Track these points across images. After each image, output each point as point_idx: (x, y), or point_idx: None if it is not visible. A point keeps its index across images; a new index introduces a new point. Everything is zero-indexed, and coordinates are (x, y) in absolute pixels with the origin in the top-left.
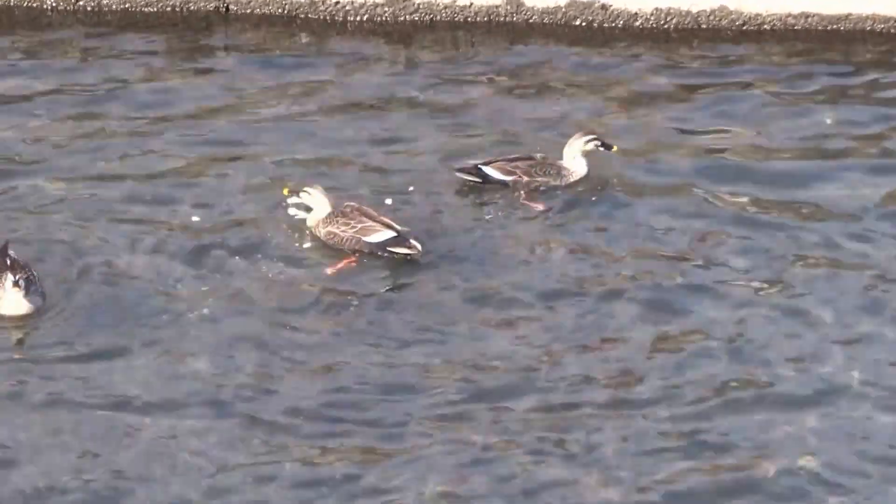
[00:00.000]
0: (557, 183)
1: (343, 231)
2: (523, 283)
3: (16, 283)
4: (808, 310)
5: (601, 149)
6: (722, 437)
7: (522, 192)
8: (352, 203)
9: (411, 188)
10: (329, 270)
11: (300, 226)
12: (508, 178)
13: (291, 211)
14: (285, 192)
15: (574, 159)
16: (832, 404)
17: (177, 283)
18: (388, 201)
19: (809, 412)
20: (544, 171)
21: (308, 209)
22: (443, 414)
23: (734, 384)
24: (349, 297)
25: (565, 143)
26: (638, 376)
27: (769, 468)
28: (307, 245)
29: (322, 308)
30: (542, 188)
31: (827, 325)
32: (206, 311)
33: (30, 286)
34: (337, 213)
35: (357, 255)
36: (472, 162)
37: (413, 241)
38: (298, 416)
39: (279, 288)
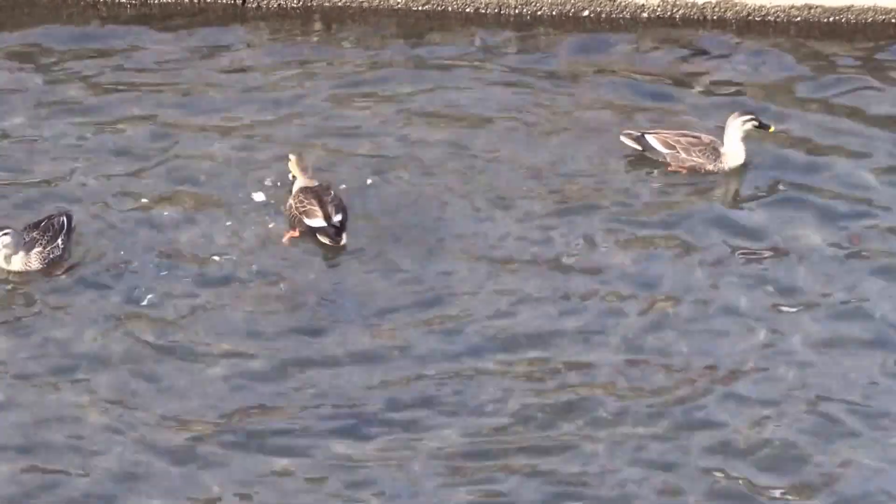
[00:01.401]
0: (712, 168)
1: (295, 206)
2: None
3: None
4: None
5: (758, 129)
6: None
7: (673, 165)
8: (323, 183)
9: (370, 179)
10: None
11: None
12: (667, 151)
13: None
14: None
15: (733, 144)
16: None
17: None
18: (369, 181)
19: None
20: (703, 153)
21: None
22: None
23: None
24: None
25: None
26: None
27: None
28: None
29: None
30: (696, 168)
31: None
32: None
33: (30, 246)
34: (302, 190)
35: (299, 232)
36: (640, 131)
37: (340, 237)
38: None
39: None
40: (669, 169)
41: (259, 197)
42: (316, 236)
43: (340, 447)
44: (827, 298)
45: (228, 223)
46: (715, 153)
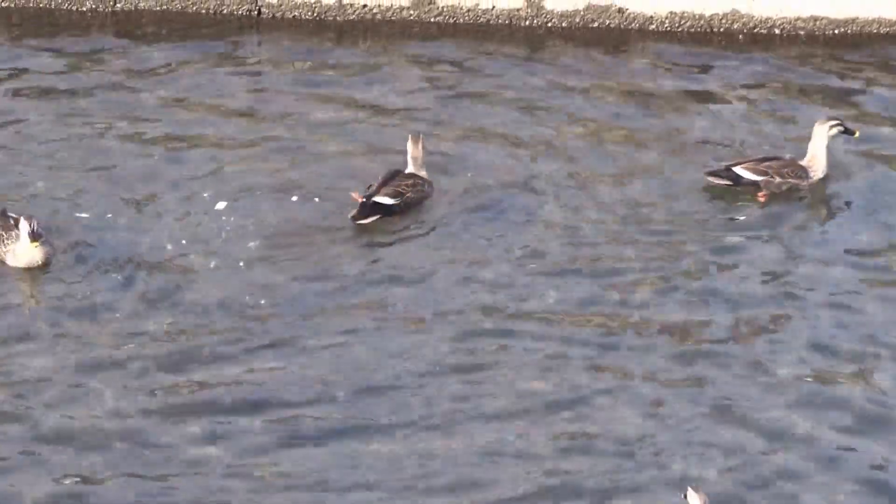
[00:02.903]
0: (805, 185)
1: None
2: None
3: (33, 234)
4: None
5: (843, 134)
6: None
7: (765, 191)
8: (420, 175)
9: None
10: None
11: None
12: (760, 178)
13: None
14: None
15: (819, 152)
16: None
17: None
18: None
19: None
20: (794, 173)
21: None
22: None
23: None
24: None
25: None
26: None
27: None
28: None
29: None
30: (790, 189)
31: None
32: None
33: (41, 236)
34: (406, 174)
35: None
36: (723, 164)
37: (360, 216)
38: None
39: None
40: (760, 196)
41: (220, 205)
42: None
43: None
44: None
45: (179, 229)
46: (802, 169)
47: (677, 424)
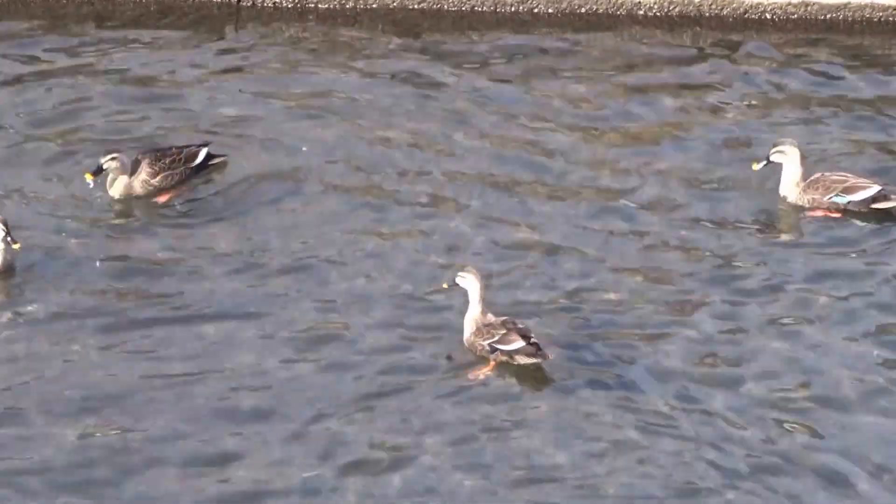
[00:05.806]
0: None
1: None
2: None
3: (8, 236)
4: None
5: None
6: None
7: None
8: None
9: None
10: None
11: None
12: (873, 191)
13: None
14: (88, 177)
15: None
16: None
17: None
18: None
19: None
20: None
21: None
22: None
23: None
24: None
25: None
26: None
27: None
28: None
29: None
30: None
31: None
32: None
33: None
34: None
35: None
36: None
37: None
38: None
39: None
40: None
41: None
42: None
43: None
44: None
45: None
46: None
47: None
